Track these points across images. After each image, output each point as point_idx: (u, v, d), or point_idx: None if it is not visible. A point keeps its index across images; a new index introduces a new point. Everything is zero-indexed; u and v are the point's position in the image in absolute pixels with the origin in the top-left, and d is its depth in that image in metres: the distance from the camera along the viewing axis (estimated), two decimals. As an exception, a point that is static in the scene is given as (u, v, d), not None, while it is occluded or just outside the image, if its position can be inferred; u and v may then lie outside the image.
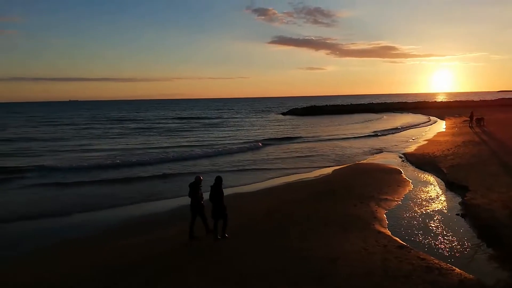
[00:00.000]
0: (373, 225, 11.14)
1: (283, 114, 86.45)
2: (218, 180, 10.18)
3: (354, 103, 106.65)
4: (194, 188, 10.43)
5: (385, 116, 70.84)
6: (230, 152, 28.40)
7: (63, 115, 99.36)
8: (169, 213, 13.74)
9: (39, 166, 22.61)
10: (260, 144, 32.67)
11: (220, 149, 29.33)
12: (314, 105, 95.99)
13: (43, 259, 9.79)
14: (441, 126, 46.80)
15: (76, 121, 72.54)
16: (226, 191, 11.13)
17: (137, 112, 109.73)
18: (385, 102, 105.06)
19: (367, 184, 16.47)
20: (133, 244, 10.48)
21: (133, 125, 60.30)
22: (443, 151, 23.79)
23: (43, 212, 13.92)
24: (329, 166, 22.13)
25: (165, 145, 34.01)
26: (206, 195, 10.48)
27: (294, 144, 33.29)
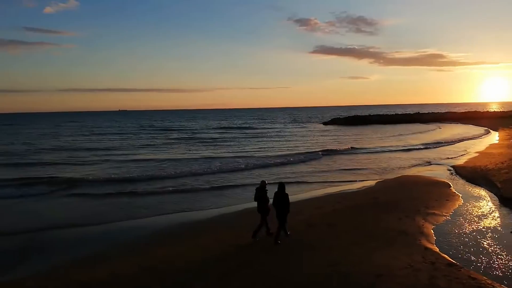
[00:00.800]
0: (420, 240, 10.69)
1: (325, 123, 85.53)
2: (281, 186, 10.87)
3: (399, 112, 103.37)
4: (260, 192, 11.06)
5: (432, 126, 68.08)
6: (270, 165, 27.77)
7: (112, 124, 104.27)
8: (215, 220, 13.99)
9: (86, 176, 23.54)
10: (319, 155, 32.29)
11: (257, 162, 28.90)
12: (357, 115, 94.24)
13: (101, 261, 10.23)
14: (494, 137, 44.29)
15: (124, 130, 75.63)
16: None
17: (181, 122, 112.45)
18: (432, 112, 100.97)
19: (413, 197, 15.87)
20: (177, 250, 10.73)
21: (178, 135, 61.59)
22: (497, 164, 22.43)
23: (92, 220, 14.55)
24: (373, 179, 21.47)
25: (211, 155, 34.38)
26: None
27: (339, 156, 32.46)
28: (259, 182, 11.55)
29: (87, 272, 9.40)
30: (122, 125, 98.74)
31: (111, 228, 13.64)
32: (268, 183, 11.79)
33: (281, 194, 10.73)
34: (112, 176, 23.56)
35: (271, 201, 11.06)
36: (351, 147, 37.27)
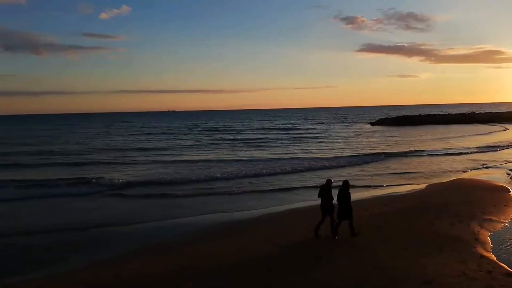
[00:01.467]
0: (475, 247, 10.05)
1: (372, 124, 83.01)
2: (346, 183, 11.13)
3: (452, 112, 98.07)
4: (325, 190, 11.22)
5: (489, 127, 63.96)
6: (316, 168, 27.13)
7: (160, 124, 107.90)
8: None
9: (133, 176, 24.45)
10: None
11: (303, 164, 28.46)
12: (406, 115, 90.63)
13: (140, 258, 10.61)
14: (561, 139, 40.70)
15: (171, 130, 77.79)
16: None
17: (225, 122, 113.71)
18: (490, 112, 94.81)
19: (467, 201, 14.97)
20: (216, 249, 10.87)
21: (223, 136, 62.22)
22: None
23: (135, 219, 15.06)
24: (423, 183, 20.57)
25: (255, 156, 34.48)
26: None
27: (390, 158, 30.99)
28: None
29: (126, 268, 9.74)
30: (170, 125, 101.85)
31: (151, 226, 14.08)
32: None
33: (345, 192, 10.94)
34: (158, 176, 24.07)
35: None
36: (414, 150, 35.02)
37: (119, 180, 22.73)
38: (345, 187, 11.04)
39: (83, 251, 11.76)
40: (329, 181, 11.48)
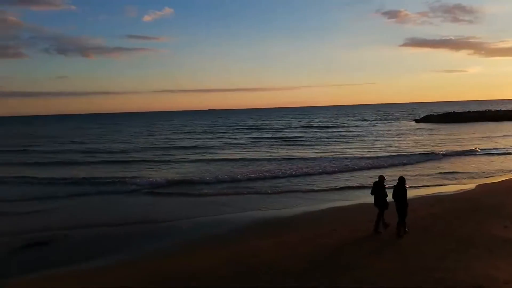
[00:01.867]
0: (530, 251, 9.47)
1: (416, 121, 79.79)
2: (401, 180, 11.15)
3: (504, 108, 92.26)
4: (379, 187, 11.44)
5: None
6: (359, 168, 26.02)
7: (202, 123, 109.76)
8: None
9: (177, 175, 25.01)
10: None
11: (346, 163, 27.72)
12: (453, 111, 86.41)
13: (194, 252, 10.98)
14: None
15: (211, 129, 78.87)
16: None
17: (264, 120, 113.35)
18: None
19: (522, 203, 14.10)
20: (259, 245, 11.00)
21: (263, 134, 62.35)
22: None
23: (177, 216, 15.49)
24: (473, 183, 19.63)
25: (296, 155, 34.27)
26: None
27: (436, 159, 29.12)
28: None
29: (183, 260, 10.15)
30: (210, 124, 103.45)
31: (196, 222, 14.49)
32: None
33: (401, 188, 10.97)
34: (198, 175, 24.55)
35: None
36: (465, 149, 32.66)
37: (160, 178, 23.39)
38: (401, 183, 11.04)
39: (137, 243, 12.33)
40: (381, 178, 11.65)
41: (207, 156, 35.11)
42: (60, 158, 36.00)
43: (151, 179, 23.22)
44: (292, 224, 13.40)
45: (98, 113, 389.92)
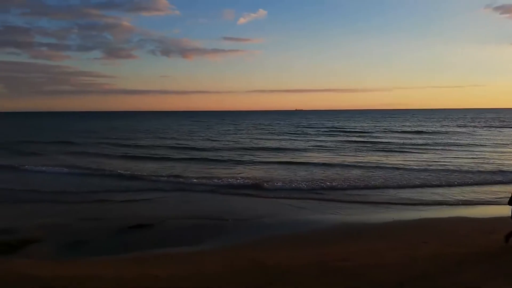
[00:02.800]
0: None
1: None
2: None
3: None
4: None
5: None
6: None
7: (288, 123, 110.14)
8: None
9: (266, 176, 25.91)
10: None
11: (455, 177, 24.68)
12: None
13: (280, 250, 11.24)
14: None
15: (299, 130, 78.65)
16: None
17: (354, 123, 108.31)
18: None
19: None
20: (344, 250, 10.80)
21: (356, 138, 58.89)
22: None
23: (261, 215, 16.02)
24: None
25: (394, 162, 32.08)
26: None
27: None
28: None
29: (271, 256, 10.36)
30: (296, 124, 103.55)
31: (280, 221, 14.80)
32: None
33: None
34: (282, 178, 24.54)
35: None
36: None
37: (245, 179, 24.23)
38: None
39: (229, 234, 13.21)
40: None
41: (290, 159, 34.96)
42: (160, 153, 39.30)
43: (233, 180, 24.11)
44: (379, 232, 12.91)
45: (193, 111, 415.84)
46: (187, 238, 12.64)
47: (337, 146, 46.84)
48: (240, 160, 34.08)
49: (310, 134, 68.46)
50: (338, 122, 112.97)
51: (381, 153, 38.50)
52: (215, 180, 23.98)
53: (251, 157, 36.04)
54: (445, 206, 17.54)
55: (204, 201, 19.21)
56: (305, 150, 42.94)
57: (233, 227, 14.12)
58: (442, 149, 41.37)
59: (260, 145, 47.47)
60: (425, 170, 27.28)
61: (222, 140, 54.93)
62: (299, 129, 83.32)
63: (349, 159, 33.80)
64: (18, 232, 12.76)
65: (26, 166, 29.54)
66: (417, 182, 23.10)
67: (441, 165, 29.61)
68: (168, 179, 24.89)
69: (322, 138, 59.37)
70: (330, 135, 64.59)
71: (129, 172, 27.02)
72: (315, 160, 33.44)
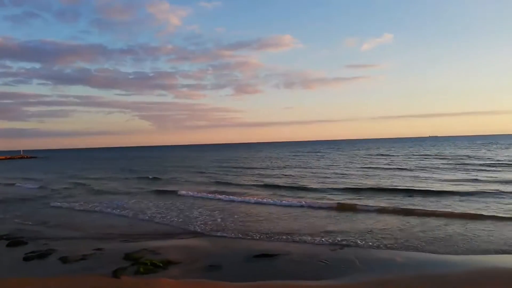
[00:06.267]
0: None
1: None
2: None
3: None
4: None
5: None
6: None
7: (428, 150, 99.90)
8: None
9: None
10: None
11: None
12: None
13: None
14: None
15: (429, 161, 71.34)
16: None
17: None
18: None
19: None
20: None
21: None
22: None
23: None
24: None
25: None
26: None
27: None
28: None
29: None
30: (433, 153, 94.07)
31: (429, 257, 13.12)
32: None
33: None
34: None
35: None
36: None
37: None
38: None
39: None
40: None
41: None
42: (298, 183, 37.17)
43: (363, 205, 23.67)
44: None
45: (319, 140, 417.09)
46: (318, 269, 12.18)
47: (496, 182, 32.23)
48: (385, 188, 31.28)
49: (446, 168, 54.96)
50: (491, 152, 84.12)
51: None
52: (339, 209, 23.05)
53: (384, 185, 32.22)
54: None
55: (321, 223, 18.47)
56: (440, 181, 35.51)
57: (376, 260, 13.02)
58: None
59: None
60: None
61: (353, 168, 53.19)
62: (436, 158, 73.23)
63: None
64: (162, 254, 14.15)
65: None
66: None
67: None
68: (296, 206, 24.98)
69: (466, 171, 42.44)
70: (479, 169, 44.54)
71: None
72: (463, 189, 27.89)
